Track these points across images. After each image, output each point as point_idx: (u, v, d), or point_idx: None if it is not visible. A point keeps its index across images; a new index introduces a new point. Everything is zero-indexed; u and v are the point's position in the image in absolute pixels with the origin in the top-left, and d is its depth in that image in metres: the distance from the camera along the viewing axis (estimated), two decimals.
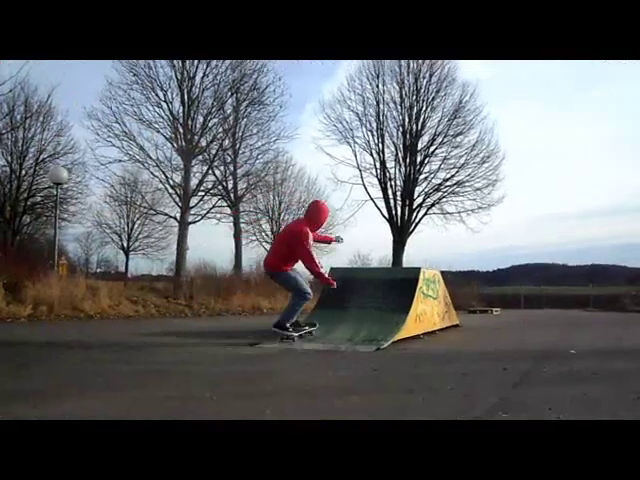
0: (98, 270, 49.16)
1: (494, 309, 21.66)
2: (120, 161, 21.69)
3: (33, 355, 6.35)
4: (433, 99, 26.89)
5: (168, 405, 3.57)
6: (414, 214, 27.31)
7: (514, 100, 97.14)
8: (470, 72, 55.69)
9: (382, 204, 27.42)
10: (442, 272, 11.10)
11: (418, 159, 27.12)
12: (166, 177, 21.83)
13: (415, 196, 27.26)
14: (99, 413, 3.26)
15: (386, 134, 27.38)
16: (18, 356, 6.24)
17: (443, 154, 27.07)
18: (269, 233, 32.21)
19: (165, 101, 21.55)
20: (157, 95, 21.41)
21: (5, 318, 11.27)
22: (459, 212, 27.06)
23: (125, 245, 39.73)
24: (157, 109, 21.55)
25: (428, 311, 9.32)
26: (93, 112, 20.64)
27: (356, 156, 27.29)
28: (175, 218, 23.02)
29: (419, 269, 9.35)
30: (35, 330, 9.90)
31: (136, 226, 39.09)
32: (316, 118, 39.14)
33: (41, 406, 3.45)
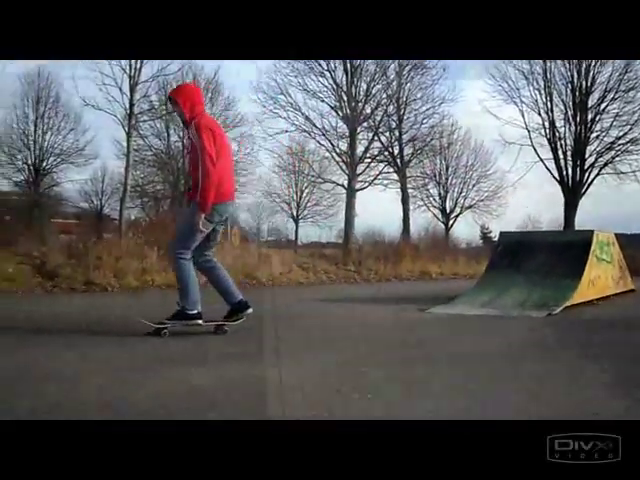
0: (269, 238, 51.31)
1: None
2: (287, 132, 22.46)
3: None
4: None
5: (339, 371, 3.68)
6: (586, 174, 25.81)
7: None
8: None
9: (552, 165, 26.07)
10: (616, 235, 10.49)
11: (589, 117, 25.43)
12: (332, 145, 22.28)
13: (587, 156, 25.72)
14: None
15: (554, 92, 25.82)
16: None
17: (615, 110, 25.13)
18: (437, 198, 31.92)
19: (328, 70, 21.92)
20: (320, 65, 21.77)
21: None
22: (634, 171, 25.07)
23: (294, 213, 40.90)
24: (321, 78, 22.03)
25: (602, 276, 9.01)
26: (259, 85, 21.44)
27: (523, 116, 25.93)
28: (342, 186, 23.48)
29: (592, 232, 9.03)
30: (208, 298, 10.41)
31: (304, 195, 39.95)
32: (480, 79, 37.91)
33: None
